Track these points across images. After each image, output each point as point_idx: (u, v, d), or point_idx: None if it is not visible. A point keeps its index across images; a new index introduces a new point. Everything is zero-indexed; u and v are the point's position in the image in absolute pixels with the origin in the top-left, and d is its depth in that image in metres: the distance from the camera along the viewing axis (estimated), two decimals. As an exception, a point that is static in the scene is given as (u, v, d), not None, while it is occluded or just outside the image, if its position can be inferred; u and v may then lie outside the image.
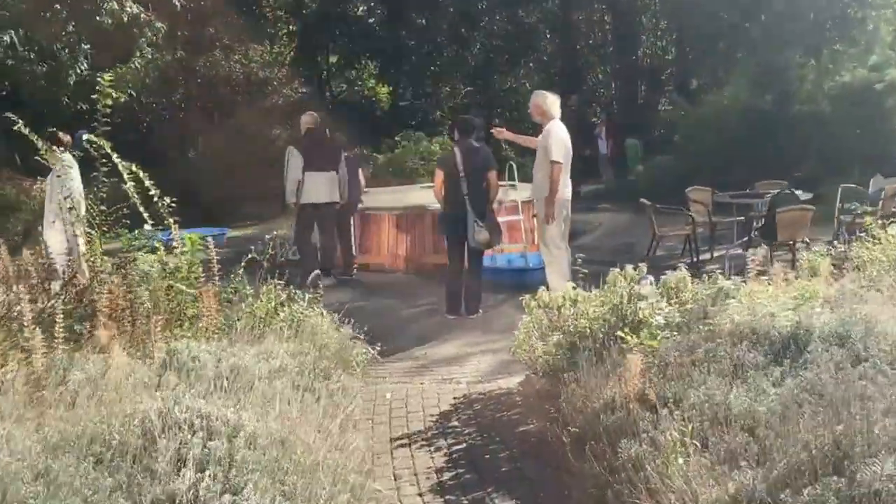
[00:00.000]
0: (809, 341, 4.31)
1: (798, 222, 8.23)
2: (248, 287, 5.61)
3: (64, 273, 5.58)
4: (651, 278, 5.21)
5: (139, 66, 15.17)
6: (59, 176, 8.67)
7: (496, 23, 25.11)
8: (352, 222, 10.21)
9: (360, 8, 27.69)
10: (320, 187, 9.27)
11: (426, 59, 25.91)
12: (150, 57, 15.54)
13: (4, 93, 14.56)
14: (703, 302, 5.19)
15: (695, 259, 9.53)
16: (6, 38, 13.42)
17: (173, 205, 5.44)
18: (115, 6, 14.54)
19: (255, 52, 27.50)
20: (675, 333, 4.77)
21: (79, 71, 14.17)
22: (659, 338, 4.75)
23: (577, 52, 24.34)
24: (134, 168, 5.33)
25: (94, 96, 5.72)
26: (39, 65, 14.12)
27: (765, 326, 4.54)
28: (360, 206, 10.39)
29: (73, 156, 9.20)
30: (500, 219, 9.71)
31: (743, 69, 14.10)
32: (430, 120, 25.11)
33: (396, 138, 18.18)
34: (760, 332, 4.50)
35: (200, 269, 5.17)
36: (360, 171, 10.40)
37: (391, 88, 28.09)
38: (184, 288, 4.69)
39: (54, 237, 8.83)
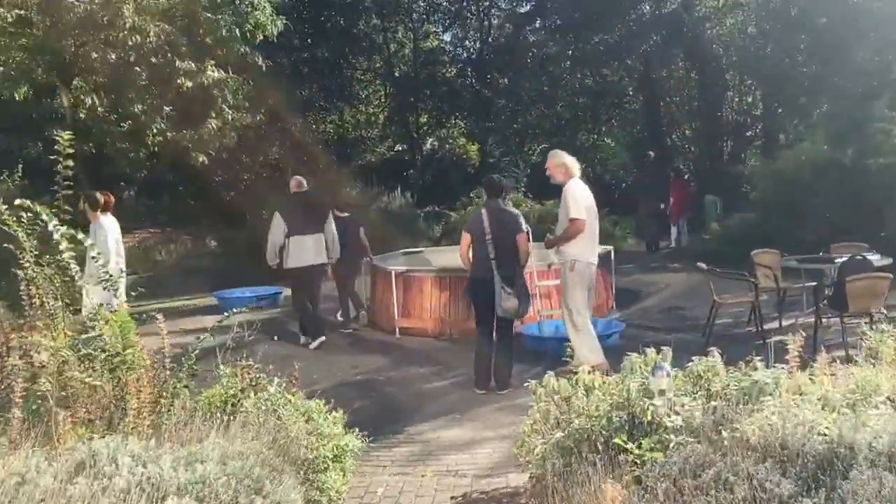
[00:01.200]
0: (852, 464, 3.24)
1: (872, 292, 6.96)
2: (220, 367, 4.87)
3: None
4: (667, 368, 4.17)
5: (214, 127, 14.95)
6: (98, 236, 8.33)
7: (579, 81, 24.26)
8: (363, 281, 10.10)
9: (450, 70, 27.39)
10: (306, 250, 8.89)
11: (511, 117, 25.29)
12: (229, 118, 15.31)
13: (90, 153, 14.57)
14: (734, 398, 4.15)
15: (759, 328, 8.31)
16: (88, 100, 13.41)
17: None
18: (194, 68, 14.47)
19: (348, 112, 27.68)
20: (693, 440, 3.74)
21: (155, 131, 14.05)
22: (672, 444, 3.74)
23: (662, 109, 23.16)
24: (77, 234, 4.59)
25: (52, 157, 5.05)
26: (120, 125, 14.07)
27: (798, 439, 3.47)
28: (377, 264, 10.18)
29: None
30: (545, 282, 8.80)
31: (822, 123, 12.75)
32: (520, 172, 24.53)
33: (471, 194, 17.42)
34: (792, 448, 3.43)
35: (141, 351, 4.42)
36: (360, 231, 10.09)
37: (480, 146, 27.62)
38: (81, 376, 3.93)
39: (86, 300, 8.44)
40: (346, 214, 10.22)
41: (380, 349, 8.77)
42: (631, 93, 24.04)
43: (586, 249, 7.08)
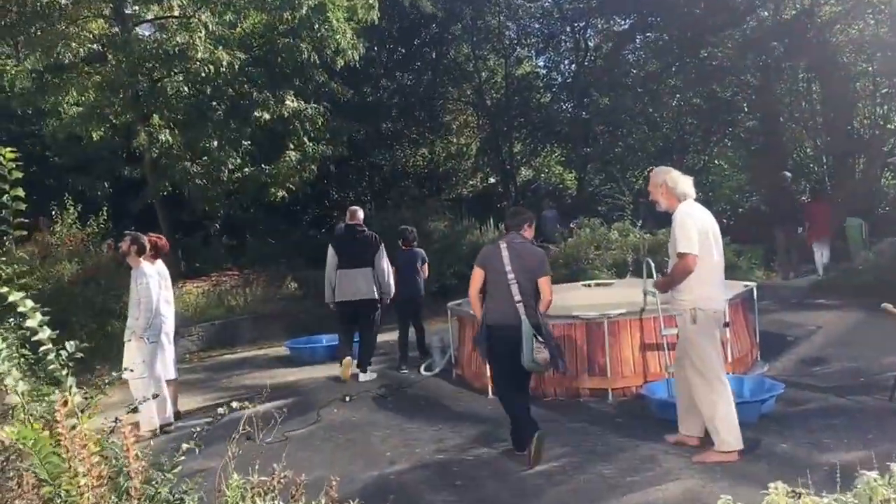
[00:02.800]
0: None
1: None
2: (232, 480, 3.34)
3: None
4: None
5: (293, 160, 13.77)
6: (139, 283, 7.07)
7: (686, 99, 22.24)
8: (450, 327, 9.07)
9: (544, 95, 25.79)
10: (353, 285, 8.46)
11: (611, 142, 23.46)
12: (309, 151, 14.13)
13: (165, 193, 13.60)
14: None
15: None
16: (162, 137, 12.42)
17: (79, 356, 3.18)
18: (272, 99, 13.37)
19: (439, 144, 26.39)
20: None
21: (231, 166, 12.96)
22: None
23: (781, 126, 20.86)
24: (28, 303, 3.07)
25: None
26: (195, 163, 13.04)
27: None
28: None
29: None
30: (672, 331, 7.01)
31: None
32: (619, 205, 22.73)
33: (571, 225, 15.67)
34: None
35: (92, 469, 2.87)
36: (422, 265, 9.59)
37: (577, 174, 25.89)
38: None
39: (130, 356, 7.16)
40: (410, 248, 9.61)
41: (469, 415, 7.10)
42: (746, 110, 21.81)
43: (711, 292, 5.39)
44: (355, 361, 8.66)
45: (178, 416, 7.54)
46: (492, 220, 15.25)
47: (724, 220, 20.02)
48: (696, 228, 5.30)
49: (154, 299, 6.93)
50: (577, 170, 25.84)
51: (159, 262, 7.51)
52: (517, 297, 5.60)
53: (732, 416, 5.30)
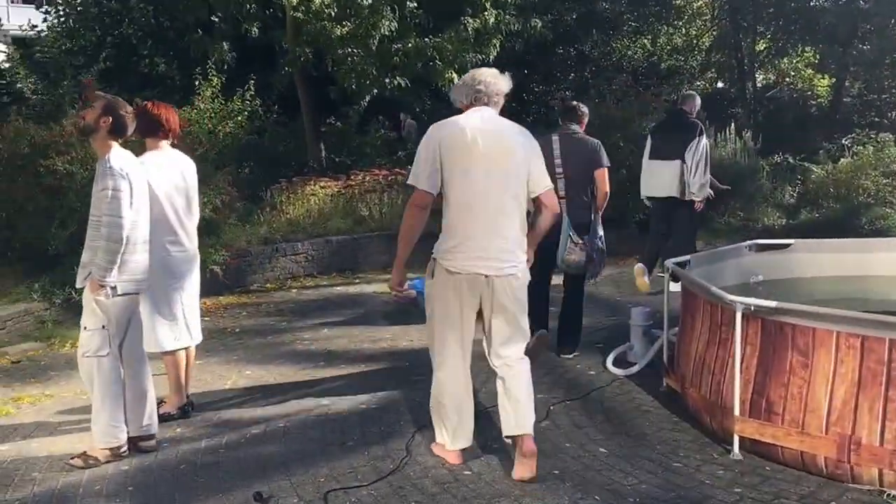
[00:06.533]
0: None
1: None
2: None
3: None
4: None
5: (470, 31, 10.07)
6: (102, 189, 3.79)
7: None
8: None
9: (805, -20, 20.08)
10: (654, 178, 7.17)
11: (887, 41, 17.68)
12: (490, 21, 10.34)
13: (302, 58, 10.34)
14: None
15: None
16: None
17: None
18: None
19: (664, 35, 21.65)
20: None
21: (384, 32, 9.50)
22: None
23: None
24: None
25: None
26: (340, 24, 9.65)
27: None
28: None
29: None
30: None
31: None
32: (888, 119, 17.18)
33: (844, 142, 10.91)
34: None
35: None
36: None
37: (834, 80, 20.25)
38: None
39: (85, 314, 4.01)
40: None
41: (691, 490, 3.35)
42: None
43: (457, 242, 3.46)
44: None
45: (185, 410, 4.38)
46: (732, 127, 10.81)
47: None
48: (434, 151, 3.41)
49: (126, 219, 3.59)
50: (834, 75, 20.20)
51: (166, 149, 4.24)
52: (562, 193, 4.95)
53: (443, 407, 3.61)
